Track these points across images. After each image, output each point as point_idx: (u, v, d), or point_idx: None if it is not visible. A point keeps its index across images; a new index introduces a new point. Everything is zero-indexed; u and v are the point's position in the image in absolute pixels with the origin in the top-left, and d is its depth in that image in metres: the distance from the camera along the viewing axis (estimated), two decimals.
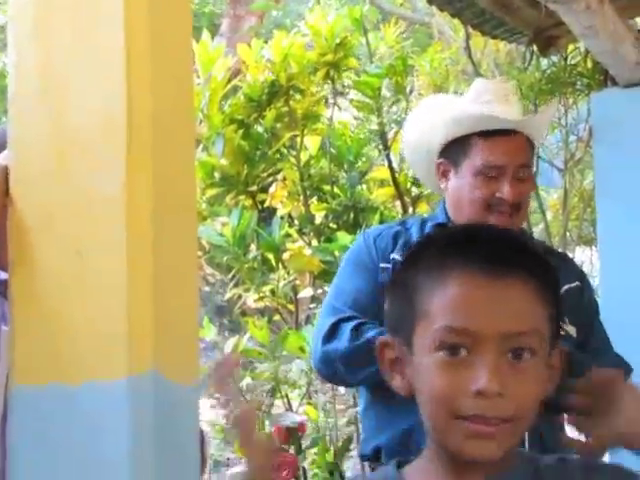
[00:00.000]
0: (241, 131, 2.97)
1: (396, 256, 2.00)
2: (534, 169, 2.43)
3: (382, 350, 0.91)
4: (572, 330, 1.92)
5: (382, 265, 2.00)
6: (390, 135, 3.09)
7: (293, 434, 2.96)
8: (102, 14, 1.32)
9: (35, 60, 1.37)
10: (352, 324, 1.93)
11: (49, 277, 1.32)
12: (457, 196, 2.07)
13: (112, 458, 1.25)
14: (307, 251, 2.98)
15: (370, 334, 1.85)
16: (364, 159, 3.07)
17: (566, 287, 1.90)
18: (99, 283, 1.26)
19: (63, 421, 1.28)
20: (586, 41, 2.89)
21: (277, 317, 3.14)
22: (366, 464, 2.10)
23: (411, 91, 3.43)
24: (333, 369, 2.00)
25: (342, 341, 1.93)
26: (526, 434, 1.81)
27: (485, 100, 2.16)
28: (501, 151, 2.00)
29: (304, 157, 3.01)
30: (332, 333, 1.95)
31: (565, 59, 3.30)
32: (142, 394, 1.27)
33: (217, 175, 3.01)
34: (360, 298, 2.00)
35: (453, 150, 2.03)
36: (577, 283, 2.01)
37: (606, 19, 2.68)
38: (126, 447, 1.25)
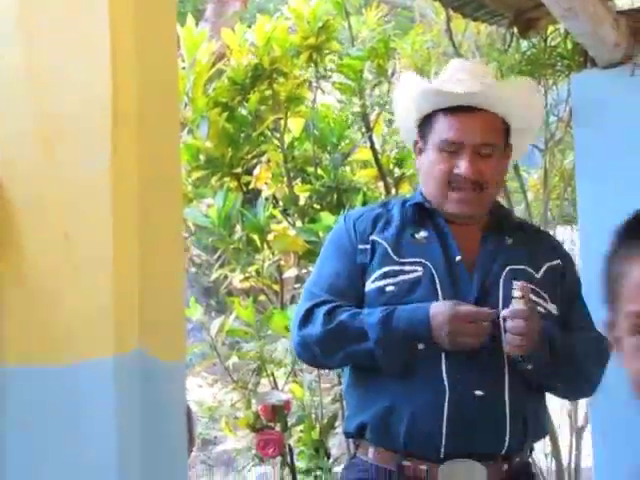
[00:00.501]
0: (225, 114, 2.96)
1: (375, 237, 2.03)
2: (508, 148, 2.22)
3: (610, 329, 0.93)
4: (553, 308, 1.96)
5: (360, 247, 2.03)
6: (372, 117, 3.08)
7: (279, 412, 2.93)
8: (89, 6, 1.28)
9: (19, 48, 1.35)
10: (325, 308, 1.95)
11: (37, 260, 1.31)
12: (423, 172, 2.12)
13: (99, 436, 1.26)
14: (291, 232, 2.97)
15: (341, 317, 1.91)
16: (347, 141, 3.05)
17: (547, 265, 1.99)
18: (86, 265, 1.26)
19: (51, 399, 1.27)
20: (566, 23, 2.87)
21: (262, 297, 3.13)
22: (350, 441, 2.11)
23: (393, 73, 3.37)
24: (311, 353, 2.04)
25: (316, 326, 1.95)
26: (509, 415, 1.81)
27: (458, 78, 2.15)
28: (459, 127, 2.02)
29: (288, 139, 2.99)
30: (307, 318, 1.99)
31: (545, 41, 3.29)
32: (128, 372, 1.27)
33: (202, 157, 2.99)
34: (337, 282, 2.02)
35: (423, 127, 2.08)
36: (557, 261, 2.04)
37: (586, 1, 2.63)
38: (113, 424, 1.25)
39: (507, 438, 1.88)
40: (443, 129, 2.05)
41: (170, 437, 1.38)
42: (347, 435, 2.13)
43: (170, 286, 1.39)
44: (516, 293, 1.85)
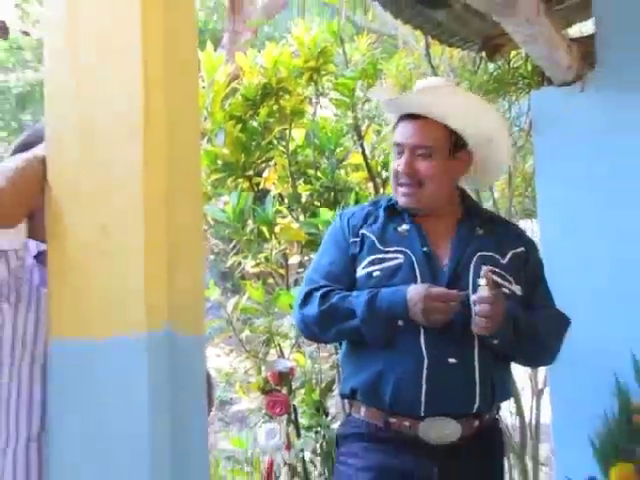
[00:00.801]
0: (239, 125, 2.92)
1: (364, 231, 2.02)
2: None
3: None
4: (517, 289, 1.93)
5: (352, 240, 2.01)
6: (363, 128, 3.04)
7: (285, 377, 2.89)
8: (123, 30, 1.29)
9: (67, 68, 1.34)
10: (321, 292, 1.94)
11: (79, 248, 1.31)
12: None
13: (134, 400, 1.27)
14: (295, 225, 2.94)
15: (334, 300, 1.91)
16: (342, 148, 3.02)
17: (512, 252, 1.96)
18: (121, 252, 1.26)
19: (92, 367, 1.30)
20: (526, 47, 2.85)
21: (271, 280, 3.09)
22: (345, 402, 2.06)
23: None
24: (310, 330, 2.02)
25: (313, 306, 1.94)
26: (478, 380, 1.78)
27: (417, 91, 2.21)
28: (402, 131, 2.01)
29: (292, 146, 2.95)
30: (306, 300, 1.98)
31: (509, 63, 3.27)
32: (159, 345, 1.27)
33: (219, 162, 2.95)
34: (333, 270, 2.01)
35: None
36: (522, 249, 2.00)
37: (543, 29, 2.61)
38: (146, 390, 1.26)
39: (477, 399, 1.86)
40: (395, 133, 2.06)
41: (193, 399, 1.38)
42: (342, 396, 2.10)
43: (192, 271, 1.38)
44: (482, 281, 1.81)
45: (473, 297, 1.80)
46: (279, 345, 2.96)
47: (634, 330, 2.56)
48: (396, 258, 1.94)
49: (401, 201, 2.04)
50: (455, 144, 1.99)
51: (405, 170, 1.98)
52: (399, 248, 1.94)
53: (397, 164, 2.03)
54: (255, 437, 3.15)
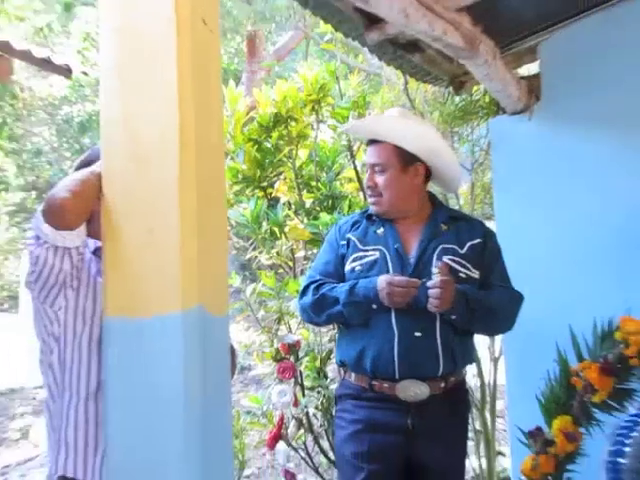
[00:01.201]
0: (256, 146, 2.85)
1: (349, 235, 2.00)
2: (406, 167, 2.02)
3: None
4: (475, 273, 1.90)
5: (342, 243, 2.00)
6: (355, 148, 2.98)
7: (292, 348, 2.75)
8: (162, 72, 1.29)
9: (118, 102, 1.34)
10: (314, 285, 1.94)
11: (128, 245, 1.31)
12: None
13: (173, 365, 1.27)
14: (300, 226, 2.85)
15: (323, 290, 1.90)
16: (338, 164, 2.95)
17: (469, 243, 1.92)
18: (162, 250, 1.26)
19: (138, 339, 1.31)
20: (485, 84, 2.70)
21: (281, 270, 3.03)
22: (340, 368, 2.04)
23: None
24: (308, 315, 2.01)
25: (308, 297, 1.94)
26: (440, 349, 1.73)
27: (367, 120, 2.34)
28: (367, 154, 2.01)
29: (298, 163, 2.88)
30: (304, 292, 1.99)
31: (471, 96, 3.18)
32: (192, 322, 1.28)
33: (240, 176, 2.88)
34: (327, 268, 2.00)
35: None
36: (479, 240, 1.95)
37: (498, 69, 2.50)
38: (182, 357, 1.28)
39: (441, 365, 1.83)
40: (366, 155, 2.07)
41: (219, 365, 1.41)
42: (337, 364, 2.08)
43: (218, 262, 1.38)
44: (435, 269, 1.78)
45: (427, 283, 1.76)
46: (288, 323, 2.92)
47: (571, 307, 2.51)
48: (373, 255, 1.91)
49: (371, 209, 2.00)
50: (405, 159, 1.92)
51: (368, 184, 1.97)
52: (376, 247, 1.92)
53: (366, 179, 2.02)
54: (269, 396, 2.98)
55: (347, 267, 1.93)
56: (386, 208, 1.95)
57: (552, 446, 1.97)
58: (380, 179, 1.95)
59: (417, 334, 1.82)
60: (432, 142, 1.99)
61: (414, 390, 1.84)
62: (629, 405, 1.91)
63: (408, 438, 1.85)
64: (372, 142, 2.01)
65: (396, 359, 1.81)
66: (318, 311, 1.95)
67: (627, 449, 1.81)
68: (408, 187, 1.96)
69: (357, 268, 1.91)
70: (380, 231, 1.98)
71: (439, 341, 1.83)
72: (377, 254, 1.91)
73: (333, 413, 2.35)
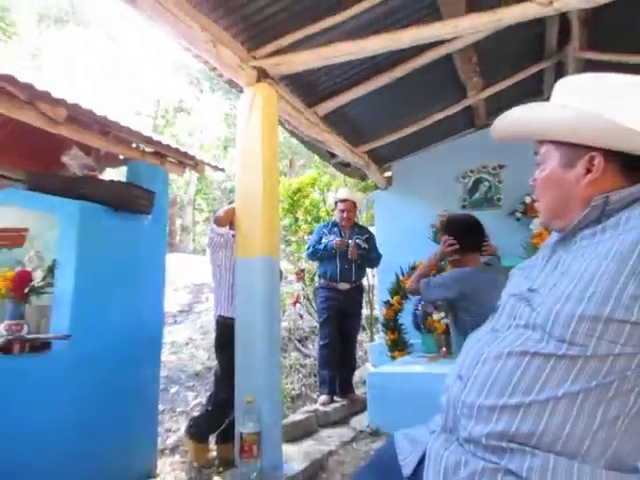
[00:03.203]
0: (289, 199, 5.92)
1: (324, 230, 3.97)
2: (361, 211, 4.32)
3: None
4: (366, 247, 3.93)
5: (322, 233, 3.95)
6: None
7: (301, 273, 5.74)
8: (255, 159, 2.47)
9: (242, 178, 2.50)
10: (312, 248, 3.94)
11: (246, 234, 2.47)
12: (336, 217, 4.12)
13: (255, 279, 2.46)
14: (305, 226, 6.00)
15: (313, 249, 3.95)
16: (319, 206, 5.77)
17: (365, 237, 4.00)
18: (255, 234, 2.40)
19: (250, 269, 2.49)
20: (372, 177, 5.13)
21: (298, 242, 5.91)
22: (320, 277, 4.00)
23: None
24: (309, 257, 4.10)
25: (308, 251, 4.01)
26: (354, 271, 3.94)
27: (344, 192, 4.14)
28: (342, 207, 3.96)
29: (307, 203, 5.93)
30: (307, 250, 4.05)
31: (366, 180, 5.84)
32: (265, 261, 2.49)
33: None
34: (317, 242, 3.91)
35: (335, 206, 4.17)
36: (367, 235, 4.04)
37: (376, 174, 5.03)
38: (260, 280, 2.49)
39: (354, 277, 3.88)
40: (340, 205, 4.01)
41: (274, 279, 2.59)
42: (318, 275, 3.94)
43: (275, 240, 2.51)
44: (351, 242, 3.75)
45: (350, 249, 3.67)
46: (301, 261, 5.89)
47: (400, 255, 4.70)
48: (333, 238, 3.90)
49: (341, 223, 3.92)
50: (357, 208, 4.00)
51: (346, 218, 3.91)
52: (332, 236, 3.90)
53: (342, 216, 3.91)
54: (294, 288, 6.14)
55: (322, 241, 3.89)
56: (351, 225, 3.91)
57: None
58: (349, 215, 3.94)
59: (346, 266, 3.84)
60: (354, 198, 3.93)
61: (344, 286, 3.79)
62: None
63: (341, 303, 3.76)
64: (342, 200, 3.95)
65: (338, 275, 3.79)
66: (312, 256, 3.97)
67: None
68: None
69: (324, 240, 3.87)
70: (335, 230, 3.91)
71: (353, 268, 3.83)
72: (333, 238, 3.88)
73: (316, 294, 4.48)
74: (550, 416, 0.73)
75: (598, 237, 0.85)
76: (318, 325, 4.08)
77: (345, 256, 3.88)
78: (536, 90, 4.52)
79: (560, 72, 4.18)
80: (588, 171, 0.89)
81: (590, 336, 0.73)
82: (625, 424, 0.75)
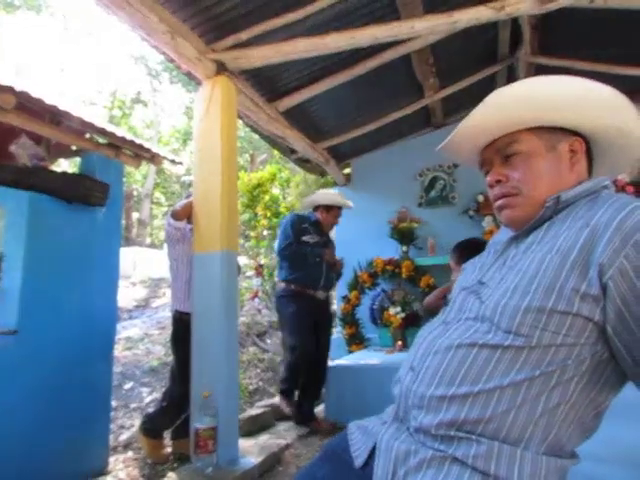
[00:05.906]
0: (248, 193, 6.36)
1: (307, 226, 3.48)
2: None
3: None
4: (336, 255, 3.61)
5: (298, 229, 3.44)
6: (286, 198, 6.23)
7: (260, 269, 6.23)
8: (214, 155, 2.45)
9: (199, 172, 2.47)
10: (295, 246, 3.36)
11: (203, 229, 2.45)
12: (325, 220, 3.55)
13: (215, 273, 2.44)
14: (265, 221, 6.69)
15: (294, 248, 3.31)
16: (280, 200, 6.06)
17: (330, 243, 3.63)
18: (213, 227, 2.38)
19: (209, 263, 2.46)
20: (332, 174, 5.19)
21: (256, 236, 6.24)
22: (290, 282, 3.43)
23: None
24: (291, 256, 3.37)
25: (293, 248, 3.36)
26: (327, 279, 3.47)
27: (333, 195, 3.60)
28: (339, 213, 3.55)
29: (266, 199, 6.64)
30: (287, 242, 3.38)
31: (325, 177, 5.72)
32: (222, 255, 2.48)
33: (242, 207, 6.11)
34: (296, 238, 3.40)
35: (327, 209, 3.52)
36: (333, 242, 3.70)
37: (337, 172, 5.11)
38: (219, 273, 2.47)
39: (330, 286, 3.45)
40: (336, 212, 3.56)
41: (234, 271, 2.58)
42: (285, 280, 3.41)
43: (234, 232, 2.48)
44: (327, 251, 3.37)
45: (327, 255, 3.30)
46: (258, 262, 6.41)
47: (358, 251, 4.86)
48: (318, 240, 3.45)
49: (327, 226, 3.56)
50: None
51: (334, 224, 3.57)
52: (317, 236, 3.43)
53: (334, 221, 3.56)
54: (252, 283, 6.51)
55: (305, 239, 3.40)
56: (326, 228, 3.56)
57: None
58: (336, 221, 3.64)
59: (331, 275, 3.46)
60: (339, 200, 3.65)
61: (322, 295, 3.35)
62: None
63: (318, 311, 3.32)
64: (336, 207, 3.53)
65: (322, 281, 3.32)
66: (295, 254, 3.34)
67: None
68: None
69: (307, 239, 3.39)
70: (318, 230, 3.49)
71: (330, 277, 3.45)
72: (317, 237, 3.45)
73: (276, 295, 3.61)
74: (496, 404, 0.76)
75: (544, 232, 0.88)
76: (287, 331, 3.42)
77: (328, 264, 3.57)
78: (489, 92, 4.65)
79: (512, 76, 4.30)
80: (572, 155, 0.92)
81: (535, 327, 0.76)
82: (565, 411, 0.78)
